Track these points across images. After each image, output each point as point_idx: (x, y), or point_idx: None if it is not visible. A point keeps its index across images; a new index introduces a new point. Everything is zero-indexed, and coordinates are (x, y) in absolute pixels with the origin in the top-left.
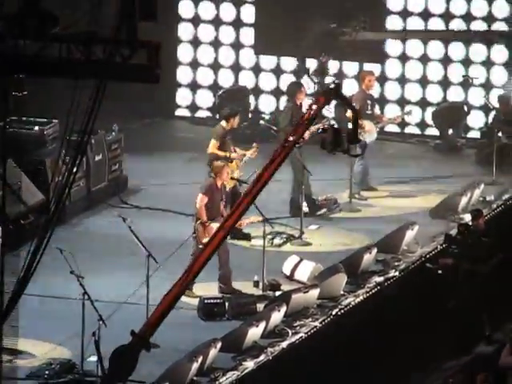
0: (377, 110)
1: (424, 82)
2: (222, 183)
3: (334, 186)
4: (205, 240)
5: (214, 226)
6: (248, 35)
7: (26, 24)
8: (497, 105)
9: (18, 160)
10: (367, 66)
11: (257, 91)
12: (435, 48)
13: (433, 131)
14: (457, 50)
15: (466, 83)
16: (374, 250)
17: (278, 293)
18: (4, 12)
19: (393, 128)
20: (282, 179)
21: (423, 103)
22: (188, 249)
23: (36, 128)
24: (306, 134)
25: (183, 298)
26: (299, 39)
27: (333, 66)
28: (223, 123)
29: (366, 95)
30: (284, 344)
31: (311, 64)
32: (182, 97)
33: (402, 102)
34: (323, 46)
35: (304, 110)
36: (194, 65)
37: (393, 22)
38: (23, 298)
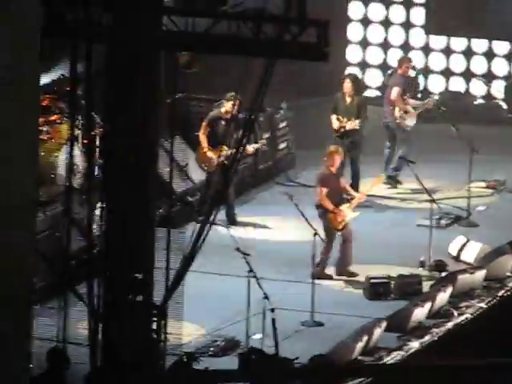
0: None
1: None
2: (338, 165)
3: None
4: (340, 226)
5: (343, 208)
6: (418, 15)
7: (196, 1)
8: None
9: (185, 137)
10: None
11: (426, 71)
12: None
13: None
14: None
15: None
16: None
17: (443, 273)
18: None
19: None
20: None
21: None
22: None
23: (204, 105)
24: None
25: (348, 278)
26: (470, 20)
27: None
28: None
29: (404, 80)
30: (449, 325)
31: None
32: None
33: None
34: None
35: None
36: (364, 44)
37: None
38: (188, 274)
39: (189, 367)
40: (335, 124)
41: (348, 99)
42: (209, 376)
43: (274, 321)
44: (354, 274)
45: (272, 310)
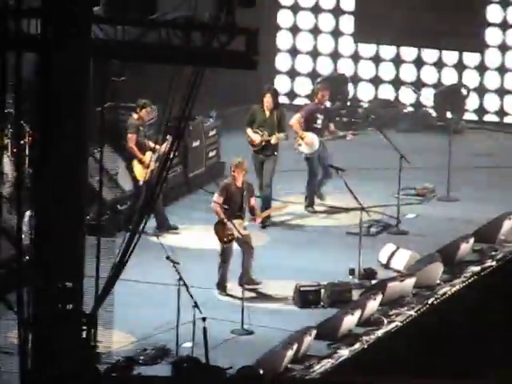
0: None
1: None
2: (243, 180)
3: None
4: (226, 239)
5: (235, 222)
6: (347, 23)
7: (126, 9)
8: None
9: (115, 146)
10: (466, 56)
11: (356, 79)
12: None
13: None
14: None
15: None
16: (471, 240)
17: (373, 281)
18: None
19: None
20: None
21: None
22: None
23: (134, 114)
24: None
25: (278, 286)
26: (398, 27)
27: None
28: (134, 115)
29: (317, 109)
30: (379, 332)
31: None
32: (281, 84)
33: (502, 92)
34: (420, 34)
35: None
36: (293, 52)
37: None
38: (118, 283)
39: (127, 372)
40: (256, 137)
41: (267, 112)
42: (145, 382)
43: (205, 329)
44: (254, 282)
45: (203, 319)
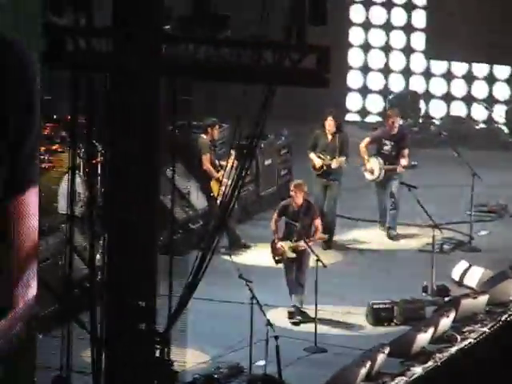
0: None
1: None
2: (303, 201)
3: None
4: (276, 258)
5: (284, 244)
6: (419, 40)
7: (196, 27)
8: None
9: (187, 164)
10: None
11: (427, 96)
12: None
13: None
14: None
15: None
16: None
17: (446, 298)
18: (176, 15)
19: None
20: None
21: None
22: None
23: (203, 135)
24: None
25: (352, 305)
26: (469, 43)
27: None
28: (203, 136)
29: (384, 134)
30: (453, 350)
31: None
32: (353, 101)
33: None
34: (492, 50)
35: None
36: (365, 69)
37: None
38: (191, 302)
39: None
40: (318, 162)
41: (330, 136)
42: None
43: (277, 348)
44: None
45: (276, 338)
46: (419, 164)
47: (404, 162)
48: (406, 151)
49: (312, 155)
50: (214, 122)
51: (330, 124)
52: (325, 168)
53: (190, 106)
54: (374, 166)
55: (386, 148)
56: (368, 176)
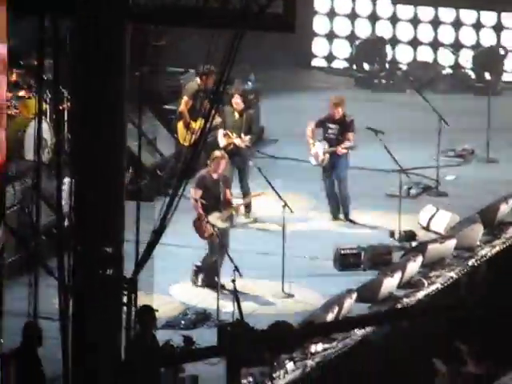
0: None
1: None
2: (221, 171)
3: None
4: (206, 235)
5: (211, 217)
6: None
7: None
8: None
9: (154, 110)
10: (505, 16)
11: (394, 41)
12: None
13: None
14: None
15: None
16: (511, 201)
17: (414, 243)
18: None
19: None
20: None
21: None
22: None
23: (197, 79)
24: None
25: (319, 249)
26: None
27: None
28: (197, 80)
29: (328, 118)
30: (420, 294)
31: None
32: (319, 47)
33: None
34: None
35: None
36: (331, 15)
37: None
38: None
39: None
40: (222, 141)
41: (237, 114)
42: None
43: (233, 281)
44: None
45: (233, 281)
46: (385, 109)
47: (347, 143)
48: (351, 134)
49: (218, 133)
50: (209, 70)
51: (236, 102)
52: (232, 147)
53: (161, 52)
54: (319, 151)
55: (330, 131)
56: (313, 161)
